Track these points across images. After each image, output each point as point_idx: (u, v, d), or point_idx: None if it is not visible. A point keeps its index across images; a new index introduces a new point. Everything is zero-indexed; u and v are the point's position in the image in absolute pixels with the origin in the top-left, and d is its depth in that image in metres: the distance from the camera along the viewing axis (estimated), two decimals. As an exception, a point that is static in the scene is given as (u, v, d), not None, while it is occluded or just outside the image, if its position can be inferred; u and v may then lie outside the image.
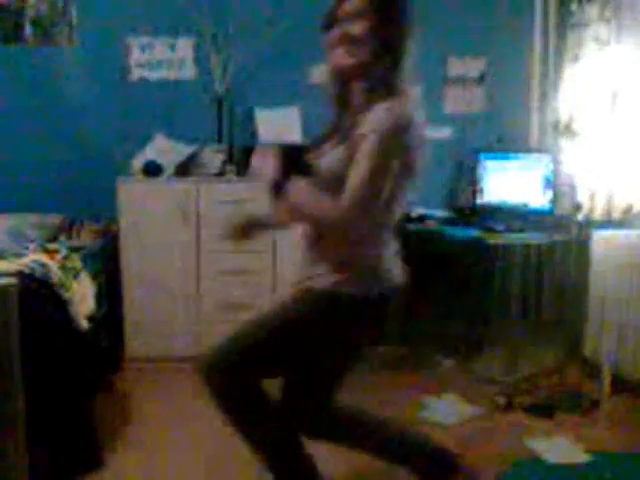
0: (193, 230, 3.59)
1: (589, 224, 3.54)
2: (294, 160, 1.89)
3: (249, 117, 3.93)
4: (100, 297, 3.29)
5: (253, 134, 3.90)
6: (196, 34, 3.91)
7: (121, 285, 3.59)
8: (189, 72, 3.98)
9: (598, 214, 3.58)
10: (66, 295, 2.74)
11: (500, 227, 3.49)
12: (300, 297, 1.88)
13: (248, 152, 3.72)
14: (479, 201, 3.97)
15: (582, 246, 3.51)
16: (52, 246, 3.23)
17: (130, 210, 3.55)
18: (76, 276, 3.00)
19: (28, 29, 3.86)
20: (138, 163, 3.66)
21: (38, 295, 2.50)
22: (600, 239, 3.34)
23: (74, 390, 2.49)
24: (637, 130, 3.41)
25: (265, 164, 1.84)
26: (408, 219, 3.83)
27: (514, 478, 2.48)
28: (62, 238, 3.58)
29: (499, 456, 2.58)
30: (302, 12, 3.94)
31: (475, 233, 3.49)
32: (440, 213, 3.91)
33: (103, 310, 3.37)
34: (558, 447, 2.69)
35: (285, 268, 3.64)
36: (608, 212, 3.55)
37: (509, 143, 4.02)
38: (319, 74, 3.89)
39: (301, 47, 3.97)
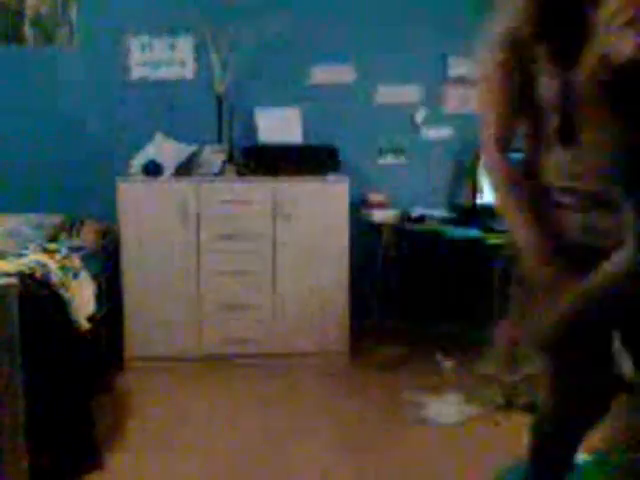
0: (193, 230, 3.59)
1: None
2: None
3: (249, 117, 3.93)
4: (100, 297, 3.29)
5: (253, 134, 3.90)
6: (196, 34, 3.91)
7: (121, 285, 3.59)
8: (189, 72, 3.98)
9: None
10: (66, 295, 2.74)
11: (500, 227, 3.49)
12: None
13: (248, 152, 3.74)
14: (479, 201, 3.96)
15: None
16: (52, 246, 3.22)
17: (130, 210, 3.55)
18: (76, 276, 3.00)
19: (28, 29, 3.86)
20: (138, 163, 3.66)
21: (38, 295, 2.50)
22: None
23: (74, 390, 2.49)
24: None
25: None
26: (408, 219, 3.83)
27: (514, 478, 2.48)
28: (62, 238, 3.58)
29: (499, 456, 2.58)
30: (302, 12, 3.95)
31: (475, 233, 3.49)
32: (440, 213, 3.91)
33: (103, 310, 3.37)
34: (558, 447, 2.68)
35: (285, 268, 3.64)
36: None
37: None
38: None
39: (301, 47, 3.99)
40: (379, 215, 3.88)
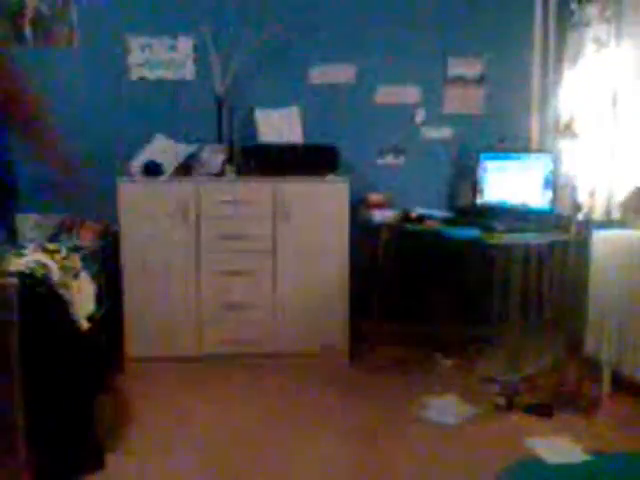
0: (193, 230, 3.59)
1: (589, 224, 3.54)
2: None
3: (249, 117, 3.93)
4: (100, 297, 3.29)
5: (253, 134, 3.90)
6: (196, 34, 3.91)
7: (121, 285, 3.59)
8: (189, 72, 3.98)
9: (598, 214, 3.58)
10: (66, 295, 2.74)
11: (500, 227, 3.49)
12: None
13: (248, 152, 3.74)
14: (479, 201, 3.96)
15: (582, 246, 3.51)
16: (52, 246, 3.22)
17: (130, 210, 3.55)
18: (76, 276, 3.00)
19: (28, 29, 3.86)
20: (138, 163, 3.66)
21: (38, 295, 2.49)
22: (600, 239, 3.33)
23: (74, 390, 2.49)
24: (637, 130, 3.41)
25: None
26: (408, 219, 3.83)
27: (514, 478, 2.48)
28: (62, 238, 3.58)
29: (499, 456, 2.58)
30: (302, 12, 3.95)
31: (475, 233, 3.49)
32: (440, 213, 3.91)
33: (103, 310, 3.37)
34: (558, 447, 2.69)
35: (285, 268, 3.64)
36: (608, 212, 3.55)
37: (509, 143, 4.02)
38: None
39: (301, 47, 3.99)
40: (379, 215, 3.88)
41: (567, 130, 3.86)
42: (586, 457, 2.60)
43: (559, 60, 3.99)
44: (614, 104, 3.52)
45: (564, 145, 3.87)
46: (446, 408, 3.10)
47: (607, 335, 3.23)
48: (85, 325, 2.90)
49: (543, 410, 3.01)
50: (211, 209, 3.58)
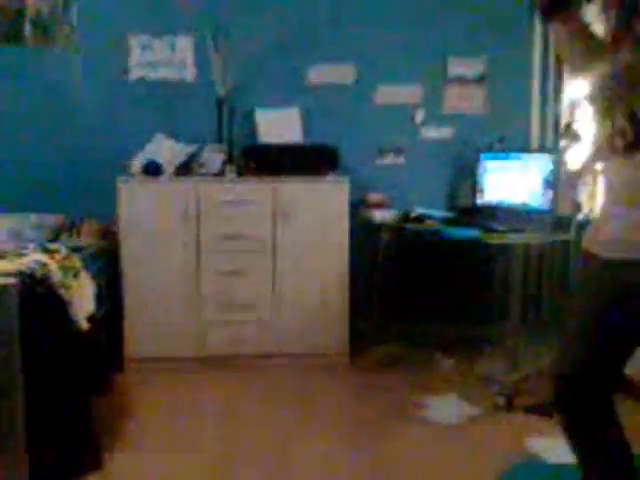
0: (193, 230, 3.59)
1: (589, 224, 3.54)
2: None
3: (249, 117, 3.93)
4: (100, 297, 3.29)
5: (253, 134, 3.90)
6: (196, 34, 3.91)
7: (121, 285, 3.59)
8: (189, 72, 3.98)
9: (598, 214, 3.58)
10: (66, 295, 2.74)
11: (500, 227, 3.49)
12: None
13: (248, 152, 3.74)
14: (479, 201, 3.96)
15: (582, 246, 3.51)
16: (52, 246, 3.22)
17: (130, 210, 3.55)
18: (76, 276, 3.00)
19: (28, 29, 3.86)
20: (138, 163, 3.66)
21: (38, 295, 2.49)
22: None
23: (74, 390, 2.49)
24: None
25: None
26: (408, 219, 3.83)
27: (514, 478, 2.48)
28: (62, 238, 3.58)
29: (499, 456, 2.58)
30: (302, 12, 3.95)
31: (475, 233, 3.48)
32: (440, 213, 3.91)
33: (103, 310, 3.37)
34: (558, 447, 2.68)
35: (285, 268, 3.64)
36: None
37: (509, 143, 4.02)
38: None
39: (301, 47, 3.99)
40: (379, 215, 3.88)
41: (567, 130, 3.86)
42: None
43: (559, 60, 3.98)
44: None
45: (564, 145, 3.87)
46: (446, 408, 3.10)
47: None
48: (85, 325, 2.89)
49: (543, 410, 3.01)
50: (211, 209, 3.58)
